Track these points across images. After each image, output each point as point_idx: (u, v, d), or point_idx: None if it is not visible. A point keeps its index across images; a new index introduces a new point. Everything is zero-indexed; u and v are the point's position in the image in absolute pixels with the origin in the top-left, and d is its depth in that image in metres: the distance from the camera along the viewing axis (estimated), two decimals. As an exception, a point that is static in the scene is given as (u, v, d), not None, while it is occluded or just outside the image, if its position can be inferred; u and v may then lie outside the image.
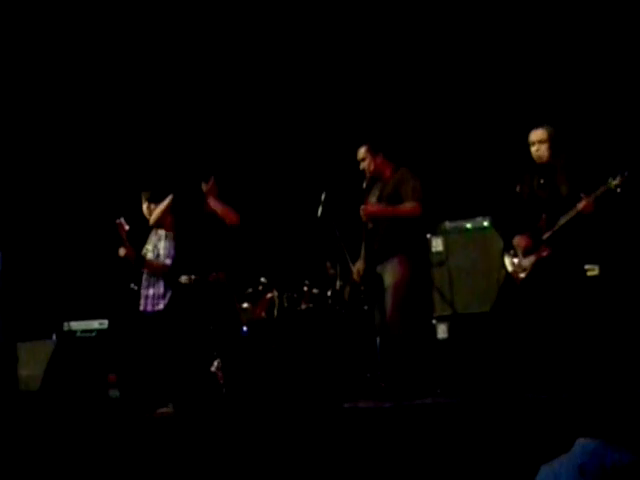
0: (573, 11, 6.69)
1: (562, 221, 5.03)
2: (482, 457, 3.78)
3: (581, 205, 4.93)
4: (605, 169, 5.03)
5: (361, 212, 5.57)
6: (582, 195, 4.94)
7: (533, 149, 5.22)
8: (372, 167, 5.72)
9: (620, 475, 1.99)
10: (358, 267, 5.83)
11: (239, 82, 7.91)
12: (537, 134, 5.21)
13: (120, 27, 7.79)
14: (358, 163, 5.80)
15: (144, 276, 6.15)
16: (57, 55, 7.91)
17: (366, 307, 5.78)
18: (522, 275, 5.21)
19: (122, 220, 6.07)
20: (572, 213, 4.98)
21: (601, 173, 5.00)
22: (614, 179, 4.87)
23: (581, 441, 2.11)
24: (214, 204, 5.81)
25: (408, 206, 5.50)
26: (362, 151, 5.76)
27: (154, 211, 6.19)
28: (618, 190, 4.86)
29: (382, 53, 7.39)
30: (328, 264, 6.40)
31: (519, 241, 5.22)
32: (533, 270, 5.13)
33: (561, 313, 4.86)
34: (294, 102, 7.71)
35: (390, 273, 5.49)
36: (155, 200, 6.23)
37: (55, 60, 7.93)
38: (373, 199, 5.68)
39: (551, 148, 5.18)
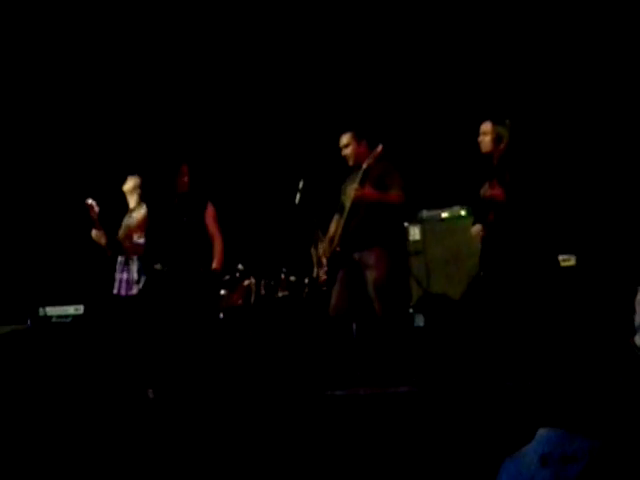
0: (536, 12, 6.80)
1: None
2: (453, 446, 3.80)
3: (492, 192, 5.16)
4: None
5: (356, 193, 5.56)
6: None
7: (479, 139, 5.43)
8: (355, 154, 5.74)
9: (580, 463, 2.01)
10: (324, 248, 5.81)
11: (218, 69, 7.88)
12: (482, 126, 5.41)
13: (96, 17, 7.74)
14: (336, 151, 5.82)
15: (118, 259, 6.15)
16: (35, 40, 7.84)
17: (324, 288, 5.78)
18: None
19: (92, 201, 6.05)
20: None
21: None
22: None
23: (542, 431, 2.13)
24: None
25: (396, 194, 5.57)
26: (346, 137, 5.78)
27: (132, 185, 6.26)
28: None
29: (360, 42, 7.40)
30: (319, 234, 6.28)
31: (476, 230, 5.34)
32: (480, 256, 5.25)
33: (524, 301, 4.96)
34: (272, 90, 7.69)
35: (371, 268, 5.53)
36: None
37: (31, 45, 7.86)
38: (354, 185, 5.69)
39: (493, 141, 5.32)
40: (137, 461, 4.26)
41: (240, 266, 6.38)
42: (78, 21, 7.75)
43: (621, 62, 6.57)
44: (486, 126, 5.36)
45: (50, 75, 7.95)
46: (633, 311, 5.51)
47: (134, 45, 7.86)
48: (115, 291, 6.08)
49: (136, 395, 5.53)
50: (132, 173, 6.31)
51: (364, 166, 5.59)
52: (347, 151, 5.77)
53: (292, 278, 6.36)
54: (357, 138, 5.76)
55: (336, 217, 5.88)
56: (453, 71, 7.16)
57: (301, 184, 6.01)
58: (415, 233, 6.61)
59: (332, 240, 5.79)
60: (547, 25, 6.82)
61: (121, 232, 6.21)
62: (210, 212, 5.94)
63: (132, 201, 6.31)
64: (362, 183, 5.60)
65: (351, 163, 5.78)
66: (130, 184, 6.31)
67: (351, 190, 5.69)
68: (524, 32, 6.87)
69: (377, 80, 7.36)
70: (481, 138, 5.37)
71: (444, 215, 6.60)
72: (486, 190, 5.28)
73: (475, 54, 7.09)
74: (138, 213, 6.13)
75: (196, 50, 7.85)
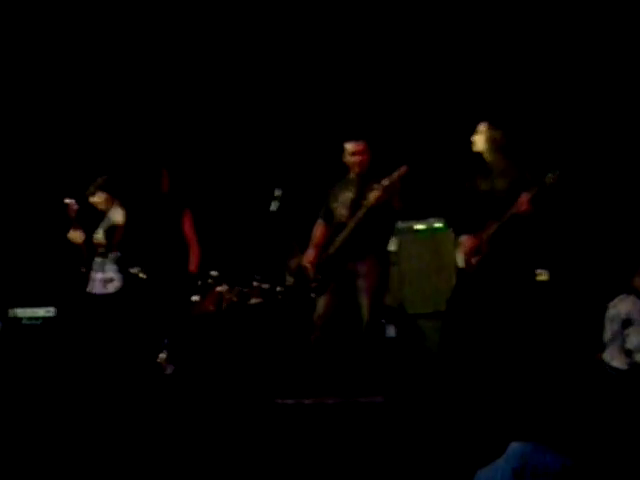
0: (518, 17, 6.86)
1: (501, 221, 5.10)
2: (425, 457, 3.81)
3: (518, 204, 5.01)
4: (540, 165, 5.11)
5: (382, 189, 5.36)
6: (521, 193, 5.01)
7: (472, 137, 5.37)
8: (366, 164, 5.62)
9: (551, 477, 2.04)
10: (310, 255, 5.72)
11: (198, 74, 7.88)
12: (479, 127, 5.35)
13: (82, 24, 7.72)
14: (316, 160, 5.79)
15: (95, 259, 6.16)
16: (22, 45, 7.81)
17: (313, 295, 5.75)
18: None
19: (72, 201, 6.07)
20: (509, 213, 5.05)
21: (536, 170, 5.08)
22: (549, 176, 4.94)
23: (514, 445, 2.15)
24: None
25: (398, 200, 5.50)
26: (362, 145, 5.67)
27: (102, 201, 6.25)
28: (552, 188, 4.93)
29: (341, 55, 7.44)
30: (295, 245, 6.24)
31: (464, 241, 5.30)
32: (476, 270, 5.19)
33: (501, 314, 4.94)
34: (250, 98, 7.70)
35: (364, 276, 5.49)
36: (104, 189, 6.26)
37: (19, 49, 7.83)
38: (349, 194, 5.66)
39: (486, 141, 5.29)
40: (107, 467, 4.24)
41: (213, 272, 6.37)
42: (64, 28, 7.72)
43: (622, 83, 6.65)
44: (481, 126, 5.33)
45: (33, 75, 7.91)
46: (602, 327, 5.59)
47: (119, 50, 7.85)
48: (88, 289, 6.09)
49: (109, 394, 5.51)
50: (103, 189, 6.31)
51: (384, 183, 5.39)
52: (359, 158, 5.64)
53: (265, 286, 6.35)
54: (370, 150, 5.68)
55: (320, 222, 5.82)
56: (432, 83, 7.21)
57: (279, 192, 6.01)
58: (390, 244, 6.64)
59: (323, 248, 5.73)
60: (535, 44, 6.90)
61: (100, 235, 6.24)
62: (187, 217, 5.99)
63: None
64: (361, 192, 5.55)
65: (357, 171, 5.66)
66: (100, 201, 6.31)
67: (347, 197, 5.65)
68: (508, 53, 6.94)
69: (356, 90, 7.40)
70: (474, 137, 5.34)
71: (419, 227, 6.64)
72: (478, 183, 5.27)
73: (456, 70, 7.15)
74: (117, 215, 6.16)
75: (176, 53, 7.84)
